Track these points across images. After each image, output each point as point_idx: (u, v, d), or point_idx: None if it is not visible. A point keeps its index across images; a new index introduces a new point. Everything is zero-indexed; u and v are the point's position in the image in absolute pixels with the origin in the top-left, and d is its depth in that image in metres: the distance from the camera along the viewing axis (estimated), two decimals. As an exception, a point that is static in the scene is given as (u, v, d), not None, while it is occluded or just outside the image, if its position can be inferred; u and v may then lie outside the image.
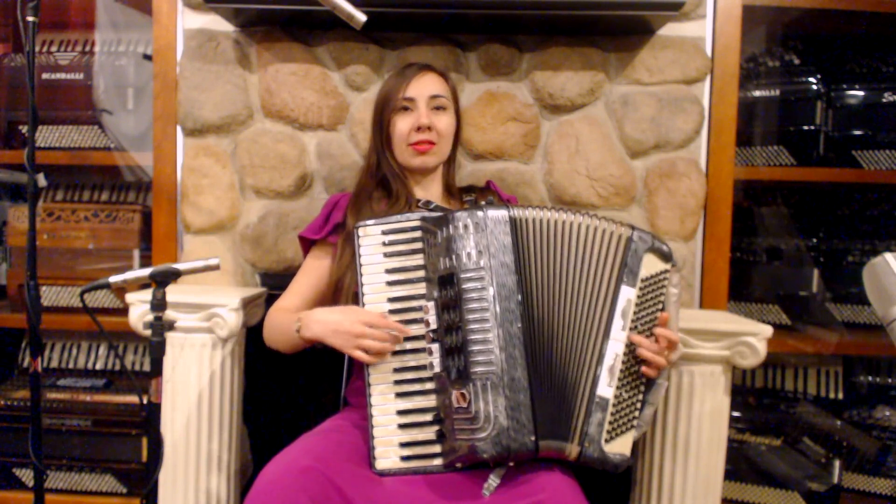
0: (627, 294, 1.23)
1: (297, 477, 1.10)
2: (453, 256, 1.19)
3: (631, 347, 1.23)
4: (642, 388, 1.25)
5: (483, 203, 1.25)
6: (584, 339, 1.22)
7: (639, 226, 1.28)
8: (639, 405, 1.25)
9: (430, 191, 1.52)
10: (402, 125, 1.46)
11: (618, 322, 1.22)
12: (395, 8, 1.63)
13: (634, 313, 1.24)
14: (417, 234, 1.26)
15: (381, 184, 1.50)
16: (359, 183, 1.53)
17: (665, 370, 1.27)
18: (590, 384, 1.20)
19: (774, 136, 2.01)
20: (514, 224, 1.21)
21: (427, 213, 1.27)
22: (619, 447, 1.21)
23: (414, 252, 1.25)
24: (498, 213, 1.21)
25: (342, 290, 1.39)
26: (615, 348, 1.22)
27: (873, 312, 1.12)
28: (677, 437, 1.53)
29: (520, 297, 1.19)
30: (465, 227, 1.20)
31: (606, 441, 1.20)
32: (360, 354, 1.23)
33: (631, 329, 1.23)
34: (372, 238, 1.27)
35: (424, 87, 1.46)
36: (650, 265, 1.26)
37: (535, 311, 1.20)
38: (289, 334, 1.34)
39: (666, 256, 1.28)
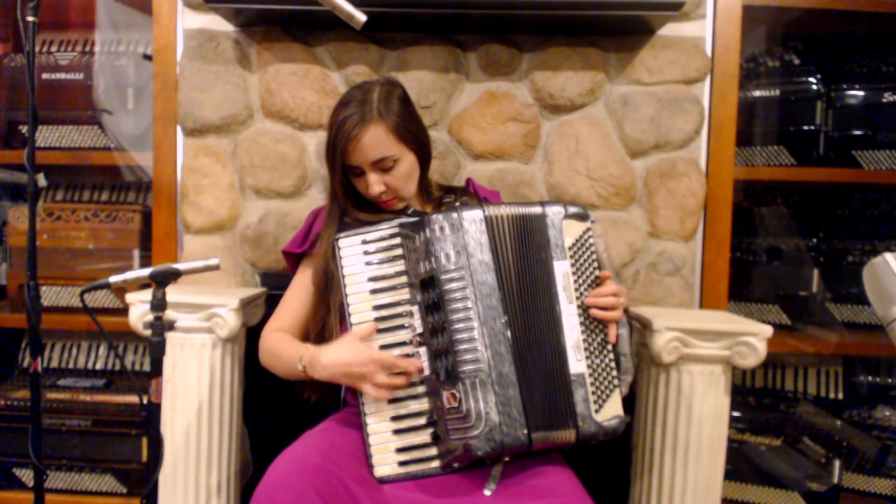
0: (562, 268, 1.25)
1: (307, 473, 1.10)
2: (432, 259, 1.20)
3: (584, 316, 1.24)
4: (610, 348, 1.26)
5: (458, 204, 1.26)
6: (548, 324, 1.23)
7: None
8: (613, 364, 1.26)
9: (413, 200, 1.50)
10: (360, 186, 1.43)
11: (563, 298, 1.24)
12: (395, 8, 1.63)
13: (575, 282, 1.25)
14: (397, 240, 1.27)
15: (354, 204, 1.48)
16: (327, 219, 1.47)
17: (622, 319, 1.28)
18: (562, 367, 1.21)
19: (774, 136, 2.01)
20: (489, 222, 1.23)
21: (404, 219, 1.28)
22: (611, 411, 1.23)
23: (395, 258, 1.27)
24: (473, 213, 1.22)
25: (329, 303, 1.39)
26: (571, 323, 1.23)
27: (873, 312, 1.12)
28: (677, 437, 1.53)
29: (500, 293, 1.20)
30: (442, 228, 1.21)
31: (597, 412, 1.21)
32: (368, 389, 1.22)
33: (578, 298, 1.25)
34: (352, 248, 1.28)
35: (364, 153, 1.36)
36: (572, 231, 1.27)
37: (514, 306, 1.21)
38: (290, 368, 1.32)
39: (582, 216, 1.29)
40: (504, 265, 1.22)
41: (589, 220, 1.29)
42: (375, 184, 1.38)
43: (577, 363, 1.22)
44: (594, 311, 1.24)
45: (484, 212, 1.23)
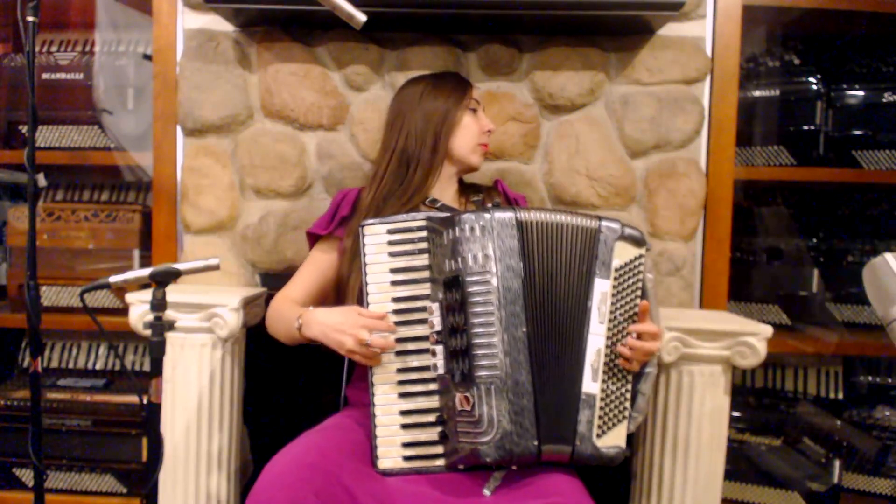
0: (602, 287, 1.22)
1: (303, 472, 1.10)
2: (459, 259, 1.18)
3: (613, 340, 1.23)
4: (630, 379, 1.25)
5: (490, 205, 1.24)
6: (570, 337, 1.21)
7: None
8: (629, 396, 1.24)
9: (447, 191, 1.51)
10: (476, 124, 1.49)
11: (595, 316, 1.22)
12: (395, 8, 1.63)
13: (612, 304, 1.23)
14: (423, 233, 1.25)
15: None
16: (381, 188, 1.45)
17: (653, 358, 1.26)
18: (575, 382, 1.20)
19: (774, 136, 2.01)
20: (521, 227, 1.20)
21: (433, 214, 1.27)
22: (613, 440, 1.21)
23: (419, 252, 1.25)
24: (504, 216, 1.20)
25: (347, 288, 1.39)
26: (596, 343, 1.21)
27: (873, 312, 1.12)
28: (677, 437, 1.53)
29: (524, 301, 1.18)
30: (472, 229, 1.19)
31: (598, 436, 1.20)
32: (357, 358, 1.24)
33: (610, 321, 1.23)
34: (377, 237, 1.26)
35: (479, 95, 1.53)
36: (623, 253, 1.25)
37: (538, 315, 1.20)
38: (290, 328, 1.34)
39: (638, 242, 1.27)
40: (532, 272, 1.20)
41: (644, 247, 1.27)
42: (490, 121, 1.52)
43: (591, 383, 1.20)
44: (621, 349, 1.22)
45: (516, 216, 1.21)
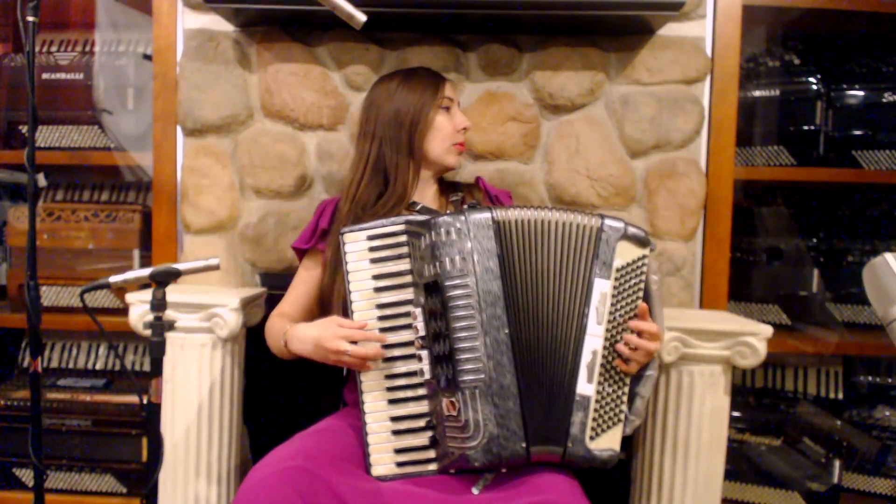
0: (601, 287, 1.20)
1: (286, 475, 1.09)
2: (437, 263, 1.17)
3: (610, 341, 1.21)
4: (627, 381, 1.23)
5: (465, 207, 1.23)
6: (564, 338, 1.20)
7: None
8: (625, 398, 1.22)
9: (426, 192, 1.50)
10: (449, 124, 1.46)
11: (593, 317, 1.20)
12: (395, 8, 1.63)
13: (612, 305, 1.21)
14: (403, 238, 1.24)
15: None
16: (359, 197, 1.44)
17: (653, 361, 1.25)
18: (569, 383, 1.19)
19: (774, 136, 2.01)
20: (498, 227, 1.19)
21: (412, 217, 1.26)
22: (607, 443, 1.20)
23: (400, 257, 1.24)
24: (480, 217, 1.18)
25: (331, 298, 1.39)
26: (593, 344, 1.19)
27: (873, 312, 1.12)
28: (677, 437, 1.53)
29: (505, 302, 1.17)
30: (448, 232, 1.17)
31: (591, 438, 1.18)
32: (337, 362, 1.24)
33: (609, 322, 1.21)
34: (357, 244, 1.25)
35: (452, 91, 1.50)
36: (625, 253, 1.22)
37: (522, 316, 1.18)
38: (279, 345, 1.36)
39: (642, 242, 1.23)
40: (512, 272, 1.18)
41: (648, 247, 1.24)
42: (466, 118, 1.49)
43: (585, 385, 1.19)
44: (620, 347, 1.20)
45: (492, 215, 1.19)
